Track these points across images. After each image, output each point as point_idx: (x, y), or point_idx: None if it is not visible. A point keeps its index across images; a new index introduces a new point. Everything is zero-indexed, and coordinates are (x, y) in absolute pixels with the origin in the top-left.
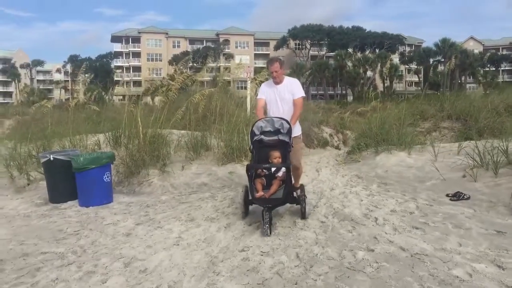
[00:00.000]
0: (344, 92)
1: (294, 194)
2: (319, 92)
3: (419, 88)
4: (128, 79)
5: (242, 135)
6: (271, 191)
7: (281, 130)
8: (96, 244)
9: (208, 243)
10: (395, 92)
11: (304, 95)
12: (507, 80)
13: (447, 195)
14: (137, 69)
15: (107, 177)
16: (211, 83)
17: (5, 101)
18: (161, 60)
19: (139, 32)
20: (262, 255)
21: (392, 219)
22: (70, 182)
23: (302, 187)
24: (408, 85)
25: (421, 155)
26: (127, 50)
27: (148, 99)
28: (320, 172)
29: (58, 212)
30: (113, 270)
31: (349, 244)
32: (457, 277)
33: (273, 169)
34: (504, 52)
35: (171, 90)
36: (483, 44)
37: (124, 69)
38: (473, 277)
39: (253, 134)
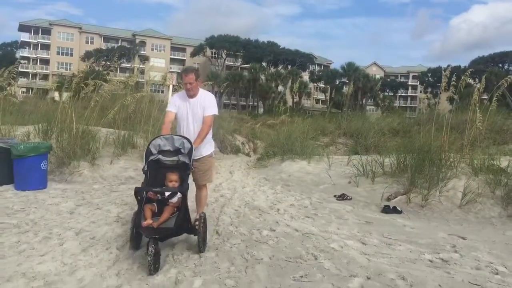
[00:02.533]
0: (255, 104)
1: (195, 222)
2: (232, 102)
3: (325, 106)
4: (35, 71)
5: None
6: (161, 219)
7: (182, 150)
8: (45, 219)
9: None
10: (303, 108)
11: (216, 113)
12: (402, 105)
13: (335, 196)
14: (45, 61)
15: (44, 165)
16: (135, 86)
17: None
18: (72, 55)
19: (50, 24)
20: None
21: (290, 210)
22: (5, 167)
23: (203, 216)
24: (315, 102)
25: (318, 164)
26: (36, 41)
27: (56, 94)
28: (233, 174)
29: None
30: (66, 237)
31: (256, 225)
32: (333, 248)
33: (166, 193)
34: (402, 80)
35: (103, 91)
36: (384, 71)
37: (31, 60)
38: (343, 248)
39: (149, 153)
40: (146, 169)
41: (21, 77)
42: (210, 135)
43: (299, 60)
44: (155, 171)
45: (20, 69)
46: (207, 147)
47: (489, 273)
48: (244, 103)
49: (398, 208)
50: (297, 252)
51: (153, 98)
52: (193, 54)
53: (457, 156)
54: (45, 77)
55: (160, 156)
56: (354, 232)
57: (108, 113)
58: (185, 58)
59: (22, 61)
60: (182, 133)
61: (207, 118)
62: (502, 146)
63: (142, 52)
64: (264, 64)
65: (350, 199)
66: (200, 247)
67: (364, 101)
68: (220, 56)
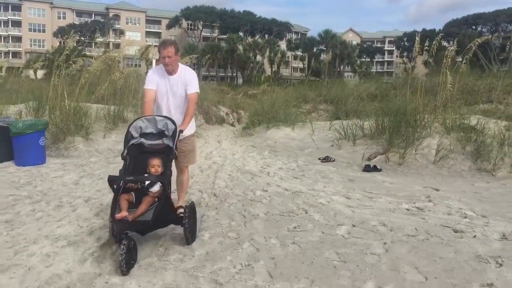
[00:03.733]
0: (234, 74)
1: (180, 211)
2: (211, 73)
3: (304, 74)
4: (7, 49)
5: None
6: (138, 211)
7: (166, 132)
8: (53, 189)
9: None
10: (282, 77)
11: (199, 90)
12: (379, 70)
13: (319, 159)
14: (17, 39)
15: (42, 141)
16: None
17: None
18: (44, 31)
19: (20, 0)
20: (186, 193)
21: (279, 173)
22: (4, 145)
23: (190, 204)
24: (293, 71)
25: (302, 130)
26: (6, 18)
27: (31, 72)
28: (221, 143)
29: None
30: (77, 204)
31: (250, 187)
32: (321, 203)
33: (146, 182)
34: (378, 45)
35: (92, 67)
36: (360, 37)
37: (2, 38)
38: (330, 203)
39: (129, 136)
40: (125, 154)
41: None
42: None
43: (276, 29)
44: (136, 157)
45: None
46: (189, 127)
47: (459, 217)
48: (223, 74)
49: (378, 167)
50: (289, 207)
51: (139, 73)
52: (169, 27)
53: (431, 116)
54: (15, 54)
55: (142, 140)
56: (338, 189)
57: (98, 89)
58: (161, 30)
59: None
60: (162, 113)
61: (191, 96)
62: (473, 106)
63: (116, 26)
64: (241, 34)
65: (334, 160)
66: (188, 239)
67: (341, 68)
68: (196, 27)
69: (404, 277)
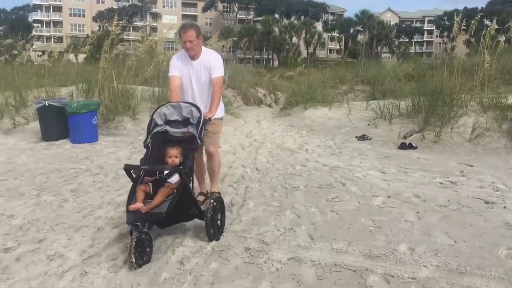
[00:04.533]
0: (270, 57)
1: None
2: (247, 56)
3: (340, 56)
4: (49, 34)
5: None
6: (153, 202)
7: (191, 120)
8: (108, 164)
9: None
10: (318, 59)
11: (223, 74)
12: (418, 51)
13: (356, 137)
14: (58, 24)
15: (95, 120)
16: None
17: None
18: (84, 16)
19: None
20: (230, 168)
21: (317, 150)
22: (60, 124)
23: (215, 198)
24: (329, 53)
25: (339, 110)
26: (47, 4)
27: (71, 56)
28: (260, 123)
29: (56, 147)
30: None
31: (290, 162)
32: (357, 177)
33: (165, 172)
34: (418, 25)
35: (138, 51)
36: (399, 16)
37: (44, 23)
38: (366, 177)
39: (154, 124)
40: (148, 143)
41: (35, 41)
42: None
43: (312, 10)
44: (160, 146)
45: (34, 33)
46: (218, 110)
47: (491, 190)
48: (259, 56)
49: (413, 145)
50: (327, 180)
51: None
52: (204, 9)
53: (468, 96)
54: (59, 39)
55: (167, 128)
56: (374, 164)
57: (143, 71)
58: (196, 13)
59: (35, 25)
60: (186, 99)
61: (216, 80)
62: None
63: (153, 9)
64: (277, 16)
65: (370, 139)
66: (210, 236)
67: (379, 48)
68: (232, 10)
69: (435, 241)
